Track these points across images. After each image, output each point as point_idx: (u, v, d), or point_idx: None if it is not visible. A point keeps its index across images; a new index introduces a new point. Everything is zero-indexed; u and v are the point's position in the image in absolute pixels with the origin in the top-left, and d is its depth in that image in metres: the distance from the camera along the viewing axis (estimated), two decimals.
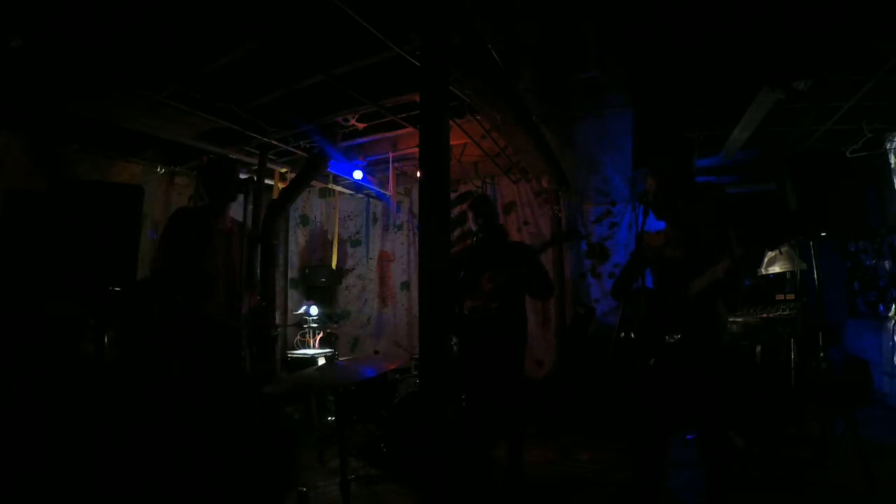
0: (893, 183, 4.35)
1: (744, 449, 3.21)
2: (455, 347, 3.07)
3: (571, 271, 5.49)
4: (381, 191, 5.65)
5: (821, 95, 3.54)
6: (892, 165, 4.34)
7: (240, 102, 3.75)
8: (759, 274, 4.00)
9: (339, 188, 6.01)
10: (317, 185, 5.87)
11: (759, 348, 3.74)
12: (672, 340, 2.21)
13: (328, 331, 5.14)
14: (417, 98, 2.25)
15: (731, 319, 3.58)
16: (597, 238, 5.43)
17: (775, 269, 3.85)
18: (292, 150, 4.65)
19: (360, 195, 6.34)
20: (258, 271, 2.79)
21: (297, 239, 6.39)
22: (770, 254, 3.87)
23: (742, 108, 3.63)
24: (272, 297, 5.19)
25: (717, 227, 2.30)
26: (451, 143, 3.67)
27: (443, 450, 1.89)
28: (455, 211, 5.59)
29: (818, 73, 3.03)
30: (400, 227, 6.36)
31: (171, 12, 2.61)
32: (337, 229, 6.34)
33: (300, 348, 5.01)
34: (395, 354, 5.67)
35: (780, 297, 3.85)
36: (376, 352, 5.57)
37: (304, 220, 6.49)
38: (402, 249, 6.31)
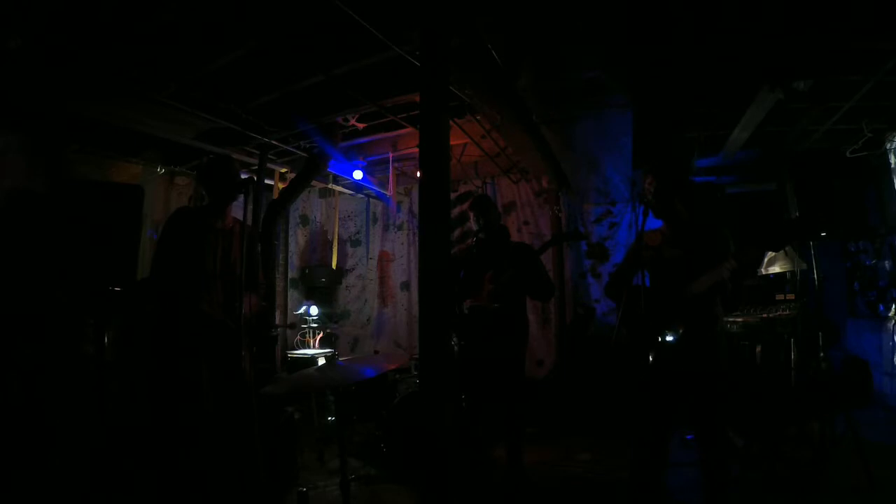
0: (893, 183, 4.35)
1: (744, 449, 3.21)
2: (455, 347, 3.07)
3: (571, 271, 5.49)
4: (381, 191, 5.65)
5: (821, 96, 3.54)
6: (892, 165, 4.33)
7: (240, 102, 3.75)
8: (759, 274, 4.00)
9: (339, 188, 6.01)
10: (317, 185, 5.87)
11: (759, 348, 3.74)
12: (670, 340, 2.21)
13: (328, 331, 5.14)
14: (417, 98, 2.25)
15: (731, 319, 3.59)
16: (597, 238, 5.43)
17: (775, 269, 3.85)
18: (292, 150, 4.65)
19: (360, 195, 6.35)
20: (261, 272, 2.78)
21: (297, 239, 6.40)
22: (770, 254, 3.87)
23: (742, 109, 3.63)
24: (272, 296, 5.19)
25: (715, 225, 2.30)
26: (451, 143, 3.67)
27: (443, 450, 1.89)
28: (455, 211, 5.60)
29: (818, 73, 3.03)
30: (400, 227, 6.36)
31: (171, 12, 2.61)
32: (337, 229, 6.34)
33: (300, 348, 5.01)
34: (395, 354, 5.65)
35: (780, 297, 3.85)
36: (376, 352, 5.56)
37: (304, 220, 6.50)
38: (402, 249, 6.31)
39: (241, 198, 2.26)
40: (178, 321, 2.49)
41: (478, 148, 4.58)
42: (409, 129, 4.24)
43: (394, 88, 3.57)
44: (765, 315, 3.57)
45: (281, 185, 5.13)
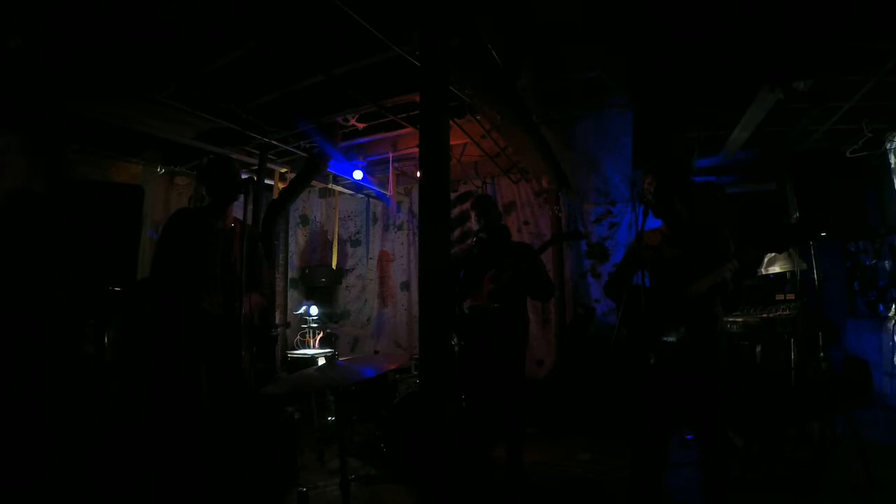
0: (893, 183, 4.35)
1: (744, 449, 3.21)
2: (455, 347, 3.07)
3: (571, 271, 5.49)
4: (381, 191, 5.66)
5: (821, 96, 3.54)
6: (892, 165, 4.33)
7: (240, 102, 3.75)
8: (759, 274, 4.00)
9: (339, 188, 6.01)
10: (317, 185, 5.88)
11: (759, 348, 3.74)
12: (670, 340, 2.21)
13: (328, 331, 5.14)
14: (417, 98, 2.25)
15: (731, 319, 3.58)
16: (597, 238, 5.43)
17: (775, 269, 3.84)
18: (292, 150, 4.65)
19: (360, 195, 6.35)
20: (262, 272, 2.78)
21: (297, 239, 6.40)
22: (770, 254, 3.87)
23: (742, 109, 3.63)
24: (272, 296, 5.19)
25: (715, 225, 2.30)
26: (451, 143, 3.67)
27: (443, 450, 1.90)
28: (455, 211, 5.60)
29: (818, 73, 3.03)
30: (400, 227, 6.36)
31: (171, 12, 2.61)
32: (337, 229, 6.34)
33: (300, 348, 5.01)
34: (395, 354, 5.65)
35: (780, 297, 3.85)
36: (376, 352, 5.57)
37: (304, 220, 6.50)
38: (402, 249, 6.31)
39: (242, 198, 2.26)
40: (178, 321, 2.49)
41: (478, 148, 4.58)
42: (409, 129, 4.24)
43: (394, 88, 3.57)
44: (765, 315, 3.57)
45: (281, 185, 5.13)
